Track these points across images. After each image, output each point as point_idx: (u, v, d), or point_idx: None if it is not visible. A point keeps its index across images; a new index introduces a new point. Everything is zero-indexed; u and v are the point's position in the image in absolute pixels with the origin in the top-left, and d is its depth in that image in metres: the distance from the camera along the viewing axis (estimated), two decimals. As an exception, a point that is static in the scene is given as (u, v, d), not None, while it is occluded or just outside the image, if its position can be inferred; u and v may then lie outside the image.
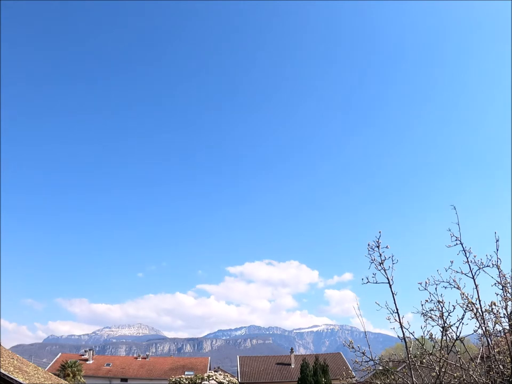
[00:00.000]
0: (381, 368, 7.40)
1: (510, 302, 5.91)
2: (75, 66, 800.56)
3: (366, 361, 6.89)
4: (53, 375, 27.12)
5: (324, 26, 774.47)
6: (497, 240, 6.04)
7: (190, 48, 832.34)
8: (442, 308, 5.93)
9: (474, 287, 5.95)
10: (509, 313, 5.89)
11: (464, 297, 5.88)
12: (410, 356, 6.21)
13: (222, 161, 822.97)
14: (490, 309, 5.88)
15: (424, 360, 6.47)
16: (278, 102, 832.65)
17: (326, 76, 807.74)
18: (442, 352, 6.02)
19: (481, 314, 5.86)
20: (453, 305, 5.85)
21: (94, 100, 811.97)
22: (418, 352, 6.50)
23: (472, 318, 5.86)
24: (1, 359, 20.29)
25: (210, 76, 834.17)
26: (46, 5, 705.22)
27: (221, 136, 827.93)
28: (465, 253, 6.04)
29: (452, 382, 6.17)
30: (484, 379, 5.96)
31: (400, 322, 6.07)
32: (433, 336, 6.23)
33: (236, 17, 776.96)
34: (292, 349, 58.11)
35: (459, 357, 6.16)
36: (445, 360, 6.03)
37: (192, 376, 43.44)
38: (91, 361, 58.84)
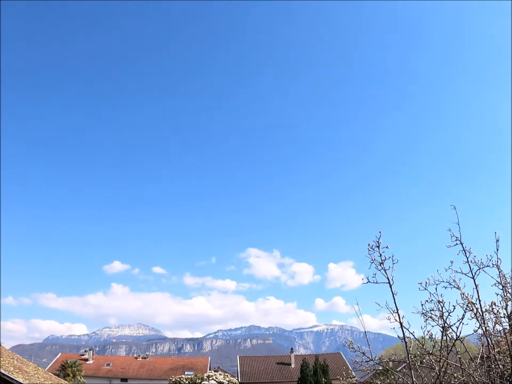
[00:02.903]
0: (381, 368, 7.40)
1: (510, 302, 5.92)
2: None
3: (366, 361, 6.90)
4: (53, 375, 27.13)
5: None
6: (497, 240, 6.05)
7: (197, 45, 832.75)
8: (442, 308, 5.93)
9: (474, 287, 5.96)
10: (509, 313, 5.89)
11: (464, 297, 5.89)
12: (410, 356, 6.22)
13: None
14: (490, 309, 5.89)
15: (424, 360, 6.47)
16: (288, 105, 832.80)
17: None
18: (442, 352, 6.02)
19: (481, 314, 5.87)
20: (453, 305, 5.86)
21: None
22: (418, 352, 6.51)
23: (472, 318, 5.87)
24: (1, 359, 20.30)
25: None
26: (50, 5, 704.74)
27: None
28: (465, 253, 6.06)
29: (452, 382, 6.17)
30: (484, 379, 5.96)
31: (400, 322, 6.07)
32: (433, 336, 6.24)
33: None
34: (292, 349, 58.15)
35: (459, 357, 6.16)
36: (445, 360, 6.03)
37: (192, 376, 43.44)
38: (91, 361, 58.86)
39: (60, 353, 64.77)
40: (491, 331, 5.99)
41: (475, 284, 5.97)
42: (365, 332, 7.00)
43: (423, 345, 6.28)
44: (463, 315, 5.82)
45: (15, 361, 22.03)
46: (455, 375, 6.17)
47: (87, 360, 58.47)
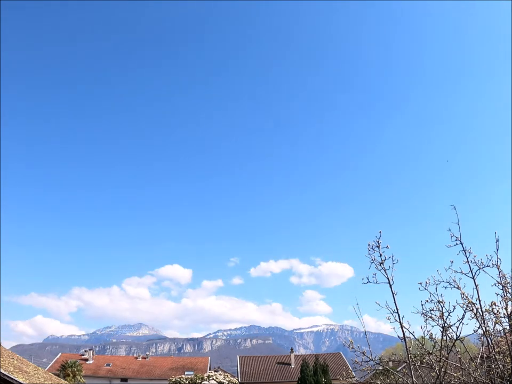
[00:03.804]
0: (381, 368, 7.40)
1: (510, 302, 5.92)
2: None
3: (366, 361, 6.90)
4: (53, 375, 27.14)
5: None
6: (497, 240, 6.05)
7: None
8: (442, 308, 5.93)
9: (474, 287, 5.96)
10: (509, 313, 5.89)
11: (464, 297, 5.89)
12: (410, 356, 6.22)
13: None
14: (490, 309, 5.89)
15: (424, 360, 6.47)
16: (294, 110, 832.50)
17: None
18: (442, 352, 6.02)
19: (481, 314, 5.87)
20: (453, 305, 5.86)
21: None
22: (418, 352, 6.51)
23: (472, 318, 5.87)
24: (1, 359, 20.30)
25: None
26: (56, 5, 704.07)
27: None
28: (465, 253, 6.06)
29: (452, 382, 6.18)
30: (484, 379, 5.96)
31: (400, 322, 6.07)
32: (433, 336, 6.24)
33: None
34: (292, 349, 58.17)
35: (459, 357, 6.16)
36: (445, 360, 6.04)
37: (192, 376, 43.45)
38: (91, 361, 58.85)
39: (60, 353, 64.78)
40: (491, 331, 5.99)
41: (475, 283, 5.97)
42: (365, 332, 7.00)
43: (423, 345, 6.28)
44: (463, 315, 5.82)
45: (15, 361, 22.03)
46: (455, 375, 6.17)
47: (87, 360, 58.47)
